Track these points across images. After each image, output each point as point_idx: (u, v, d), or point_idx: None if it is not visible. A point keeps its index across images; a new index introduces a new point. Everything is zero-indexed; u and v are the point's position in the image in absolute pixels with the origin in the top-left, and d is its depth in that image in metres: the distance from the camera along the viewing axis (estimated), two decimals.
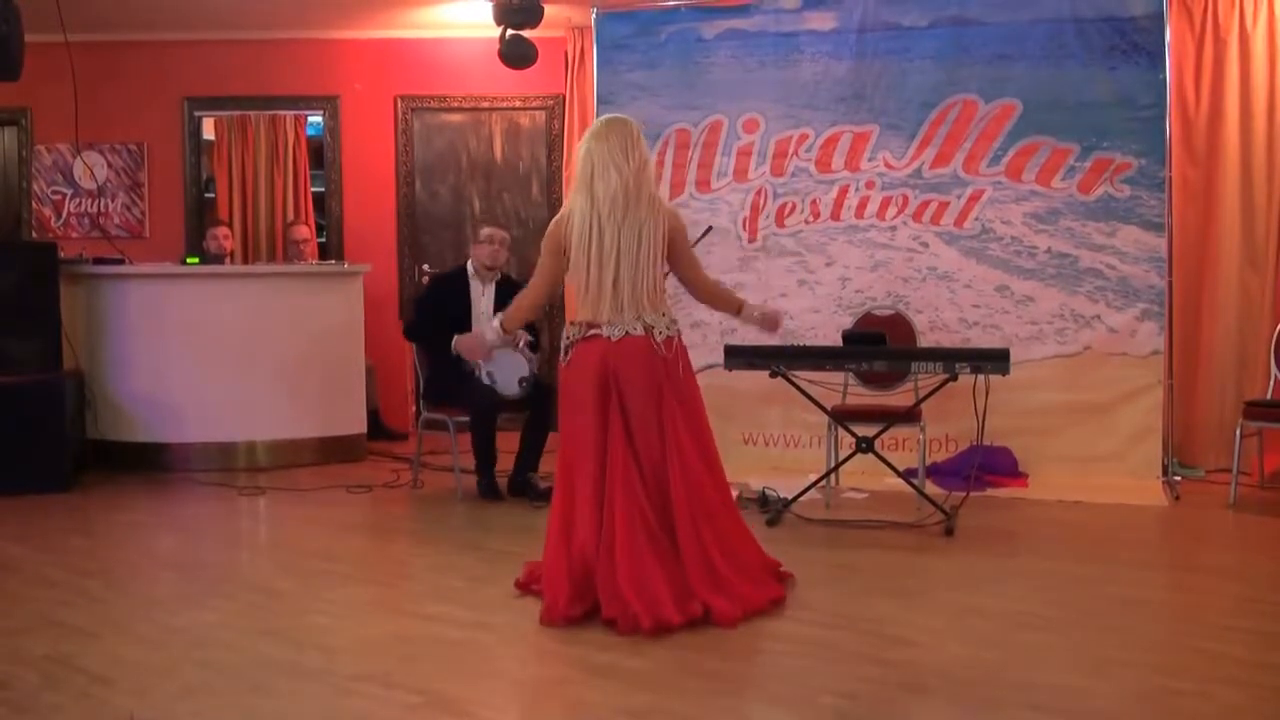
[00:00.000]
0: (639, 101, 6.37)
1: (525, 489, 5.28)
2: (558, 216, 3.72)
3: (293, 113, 7.98)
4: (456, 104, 7.70)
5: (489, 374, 5.31)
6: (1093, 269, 5.70)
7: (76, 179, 7.69)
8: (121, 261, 6.41)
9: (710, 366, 5.80)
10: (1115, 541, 4.57)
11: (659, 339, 3.58)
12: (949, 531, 4.56)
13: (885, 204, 5.98)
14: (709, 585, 3.43)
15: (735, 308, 3.87)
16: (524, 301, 3.84)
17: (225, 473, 6.09)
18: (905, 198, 5.95)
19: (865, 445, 4.79)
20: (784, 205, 6.13)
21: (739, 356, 4.82)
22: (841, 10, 6.03)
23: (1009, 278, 5.81)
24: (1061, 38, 5.70)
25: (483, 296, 5.57)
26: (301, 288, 6.50)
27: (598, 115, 6.48)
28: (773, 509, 4.89)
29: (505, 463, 5.44)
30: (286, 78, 7.64)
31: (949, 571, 4.05)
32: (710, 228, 5.81)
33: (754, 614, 3.44)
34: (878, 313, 5.83)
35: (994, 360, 4.57)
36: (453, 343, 5.30)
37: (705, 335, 6.05)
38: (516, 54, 6.71)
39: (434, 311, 5.52)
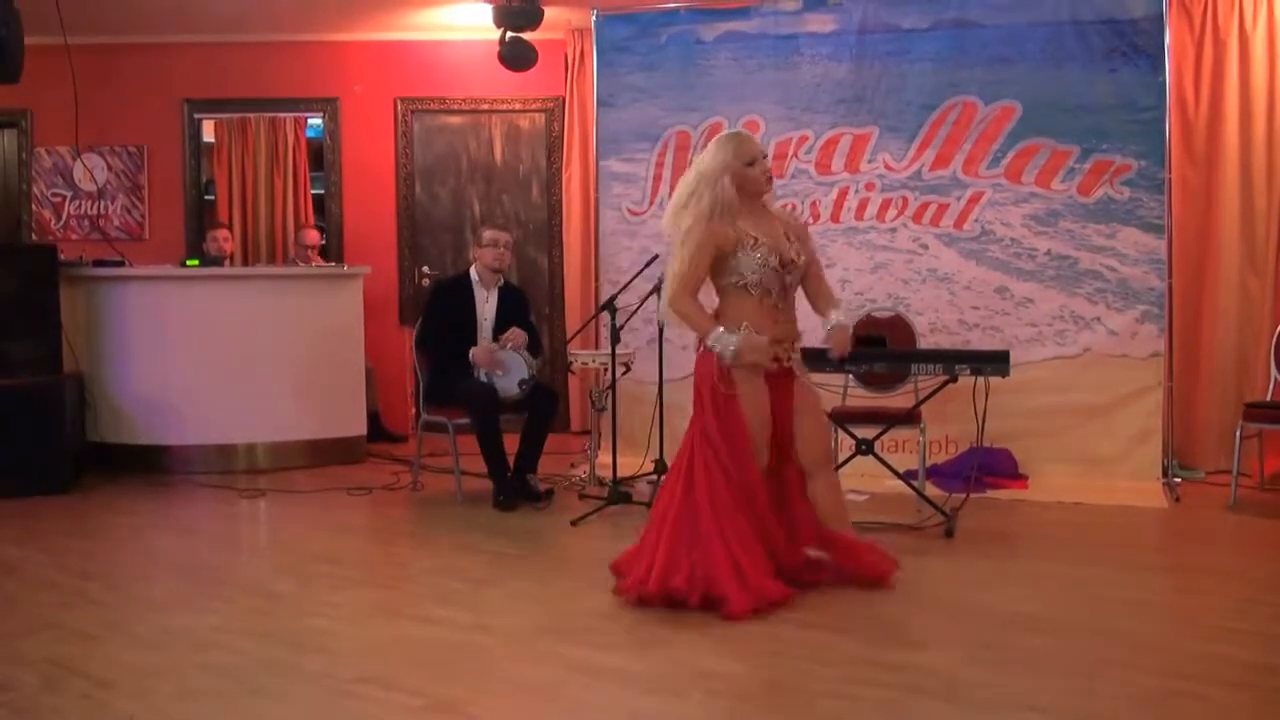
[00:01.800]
0: (639, 104, 6.38)
1: (524, 491, 5.27)
2: None
3: (292, 115, 7.99)
4: (456, 106, 7.70)
5: (487, 374, 5.30)
6: (1092, 271, 5.70)
7: (76, 181, 7.69)
8: (121, 264, 6.42)
9: None
10: (1115, 543, 4.57)
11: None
12: (949, 533, 4.56)
13: (885, 206, 5.99)
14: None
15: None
16: None
17: (225, 475, 6.09)
18: (905, 199, 5.96)
19: (865, 447, 4.80)
20: (783, 206, 6.10)
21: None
22: (841, 12, 6.04)
23: (1009, 279, 5.82)
24: (1061, 40, 5.71)
25: (486, 303, 5.54)
26: (301, 290, 6.50)
27: (597, 117, 6.53)
28: None
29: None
30: (286, 80, 7.64)
31: (949, 573, 4.05)
32: None
33: (766, 606, 3.49)
34: (878, 315, 5.83)
35: (994, 362, 4.58)
36: (470, 354, 5.33)
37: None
38: (516, 56, 6.72)
39: (439, 318, 5.49)
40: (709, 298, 3.81)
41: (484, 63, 7.06)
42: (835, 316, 3.93)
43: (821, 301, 3.96)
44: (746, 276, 3.69)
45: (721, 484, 3.63)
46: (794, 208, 6.08)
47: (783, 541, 3.74)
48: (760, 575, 3.55)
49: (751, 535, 3.62)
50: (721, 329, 3.67)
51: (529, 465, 5.35)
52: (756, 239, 3.68)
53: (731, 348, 3.63)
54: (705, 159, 3.73)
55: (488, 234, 5.59)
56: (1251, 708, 2.81)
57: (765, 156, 3.77)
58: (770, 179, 3.77)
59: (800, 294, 3.93)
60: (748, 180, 3.70)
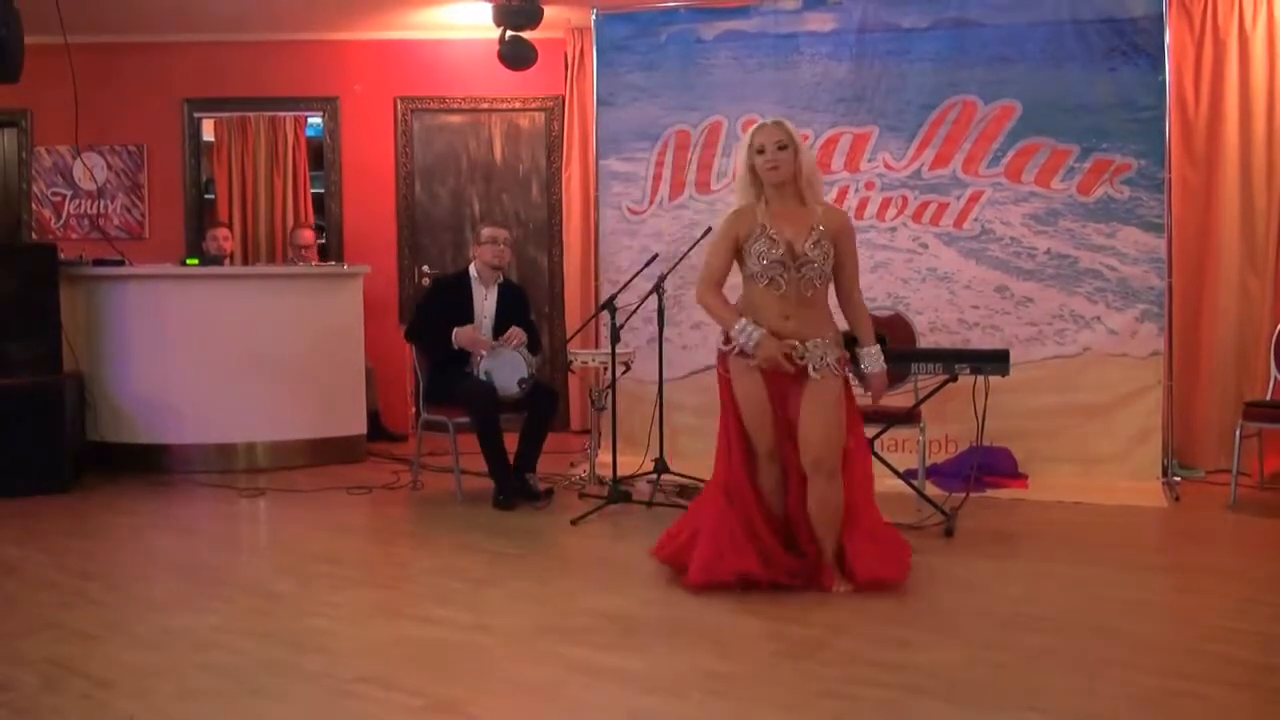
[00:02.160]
0: (639, 103, 6.38)
1: (523, 490, 5.26)
2: None
3: (292, 114, 7.98)
4: (456, 105, 7.70)
5: (486, 373, 5.30)
6: (1092, 270, 5.70)
7: (76, 180, 7.69)
8: (121, 263, 6.41)
9: (711, 367, 5.82)
10: (1115, 543, 4.57)
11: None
12: (949, 533, 4.56)
13: (885, 205, 5.99)
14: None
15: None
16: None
17: (225, 474, 6.09)
18: (905, 199, 5.96)
19: None
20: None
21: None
22: (841, 12, 6.04)
23: (1008, 279, 5.81)
24: (1061, 39, 5.71)
25: (485, 300, 5.54)
26: (302, 289, 6.50)
27: (597, 117, 6.52)
28: None
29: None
30: (286, 79, 7.64)
31: (949, 573, 4.05)
32: (710, 229, 5.81)
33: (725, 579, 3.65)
34: (877, 314, 5.80)
35: (994, 361, 4.58)
36: (453, 335, 5.33)
37: (705, 336, 6.04)
38: (516, 55, 6.72)
39: (435, 314, 5.49)
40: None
41: (484, 62, 7.06)
42: (867, 359, 3.82)
43: (850, 311, 3.87)
44: (751, 267, 3.69)
45: (725, 478, 3.78)
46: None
47: (777, 543, 3.77)
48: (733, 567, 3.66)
49: (743, 533, 3.70)
50: (745, 320, 3.68)
51: (528, 464, 5.34)
52: (765, 228, 3.66)
53: (754, 340, 3.64)
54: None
55: (486, 231, 5.59)
56: (1251, 708, 2.80)
57: (782, 147, 3.66)
58: (774, 169, 3.66)
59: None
60: (757, 169, 3.69)
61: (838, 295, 3.84)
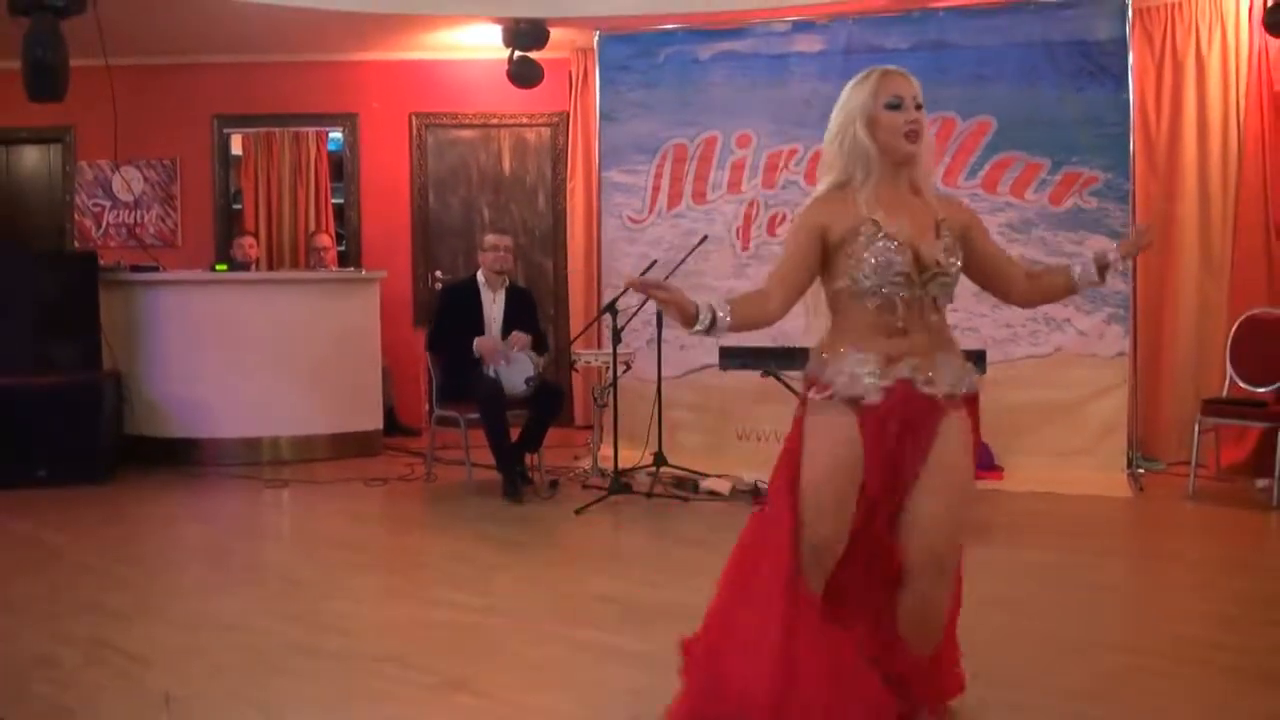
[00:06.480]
0: (639, 119, 6.38)
1: (521, 472, 5.29)
2: None
3: (314, 129, 7.98)
4: (467, 121, 7.70)
5: (496, 371, 5.31)
6: None
7: (115, 192, 7.69)
8: (156, 269, 6.43)
9: (706, 366, 5.85)
10: (1083, 531, 4.59)
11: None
12: None
13: None
14: None
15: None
16: None
17: (251, 466, 6.09)
18: None
19: None
20: (775, 215, 6.13)
21: (733, 358, 4.93)
22: (828, 34, 6.04)
23: None
24: (1034, 60, 5.71)
25: (494, 304, 5.55)
26: (322, 293, 6.51)
27: (600, 131, 6.52)
28: (764, 499, 4.89)
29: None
30: (309, 97, 7.64)
31: None
32: (705, 236, 5.87)
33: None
34: None
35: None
36: (475, 345, 5.34)
37: (702, 337, 6.06)
38: (524, 74, 6.74)
39: (450, 322, 5.49)
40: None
41: (494, 80, 7.06)
42: (1093, 267, 2.45)
43: (1028, 281, 2.56)
44: (859, 280, 2.32)
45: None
46: (784, 217, 6.06)
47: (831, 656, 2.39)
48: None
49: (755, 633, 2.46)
50: (699, 308, 2.39)
51: (529, 447, 5.35)
52: (878, 227, 2.31)
53: (721, 326, 2.41)
54: (839, 106, 2.39)
55: (489, 239, 5.63)
56: (1209, 682, 2.82)
57: (919, 106, 2.33)
58: (915, 133, 2.31)
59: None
60: (884, 130, 2.31)
61: (1006, 290, 2.57)
